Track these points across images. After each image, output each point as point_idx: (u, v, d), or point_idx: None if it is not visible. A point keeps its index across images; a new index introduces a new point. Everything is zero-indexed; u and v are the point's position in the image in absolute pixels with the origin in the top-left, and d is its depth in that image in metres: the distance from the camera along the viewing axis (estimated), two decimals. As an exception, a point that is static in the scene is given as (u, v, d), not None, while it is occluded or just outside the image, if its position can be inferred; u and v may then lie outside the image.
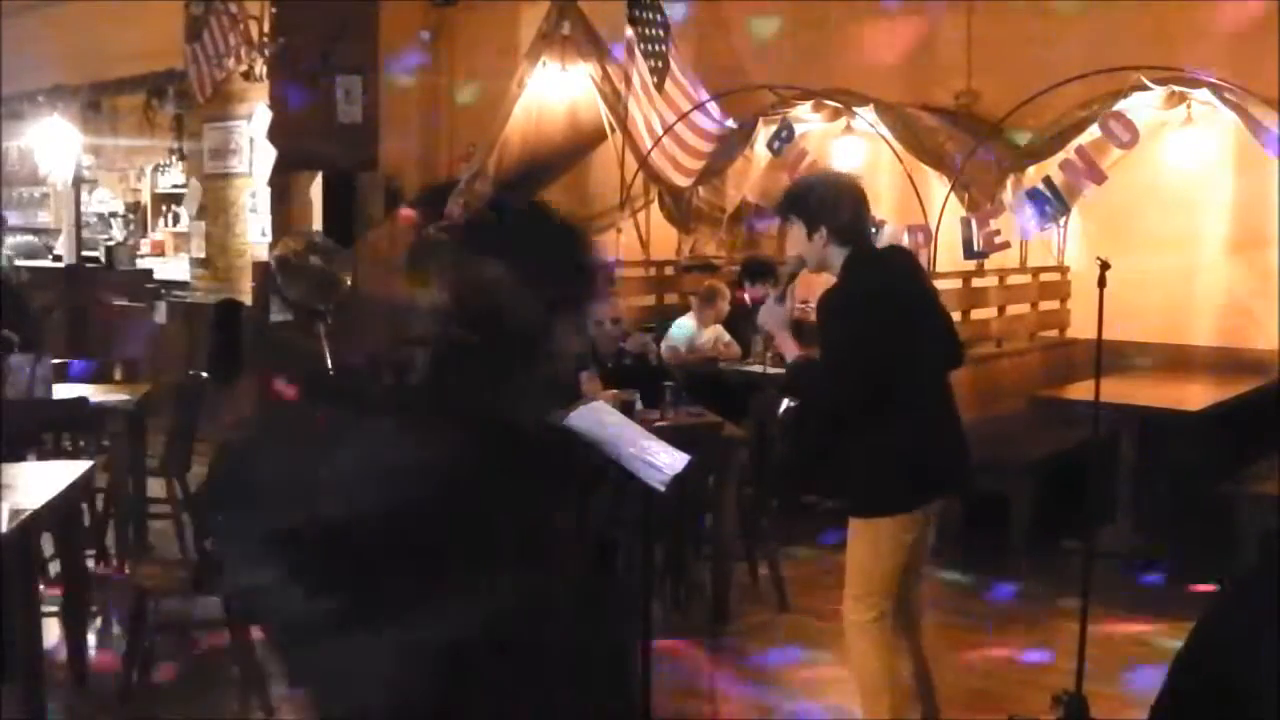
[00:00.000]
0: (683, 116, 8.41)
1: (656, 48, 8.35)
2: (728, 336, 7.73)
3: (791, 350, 3.95)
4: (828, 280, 3.98)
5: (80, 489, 4.85)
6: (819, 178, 4.29)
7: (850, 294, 3.84)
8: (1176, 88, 7.10)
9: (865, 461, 3.87)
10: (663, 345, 7.36)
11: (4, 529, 3.90)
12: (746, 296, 7.85)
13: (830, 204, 3.90)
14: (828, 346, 3.85)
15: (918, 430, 3.87)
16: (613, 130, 8.84)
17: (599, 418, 4.36)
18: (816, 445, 4.18)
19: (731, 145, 8.49)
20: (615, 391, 5.73)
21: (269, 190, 9.80)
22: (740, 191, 9.05)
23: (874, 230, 4.38)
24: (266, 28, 9.52)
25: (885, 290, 3.87)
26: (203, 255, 10.55)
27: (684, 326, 7.74)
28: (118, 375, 6.97)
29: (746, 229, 9.41)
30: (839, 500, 3.99)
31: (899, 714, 3.94)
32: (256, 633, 4.62)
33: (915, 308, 3.98)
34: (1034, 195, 7.08)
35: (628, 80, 8.44)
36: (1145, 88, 6.90)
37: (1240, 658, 2.70)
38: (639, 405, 5.66)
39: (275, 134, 9.57)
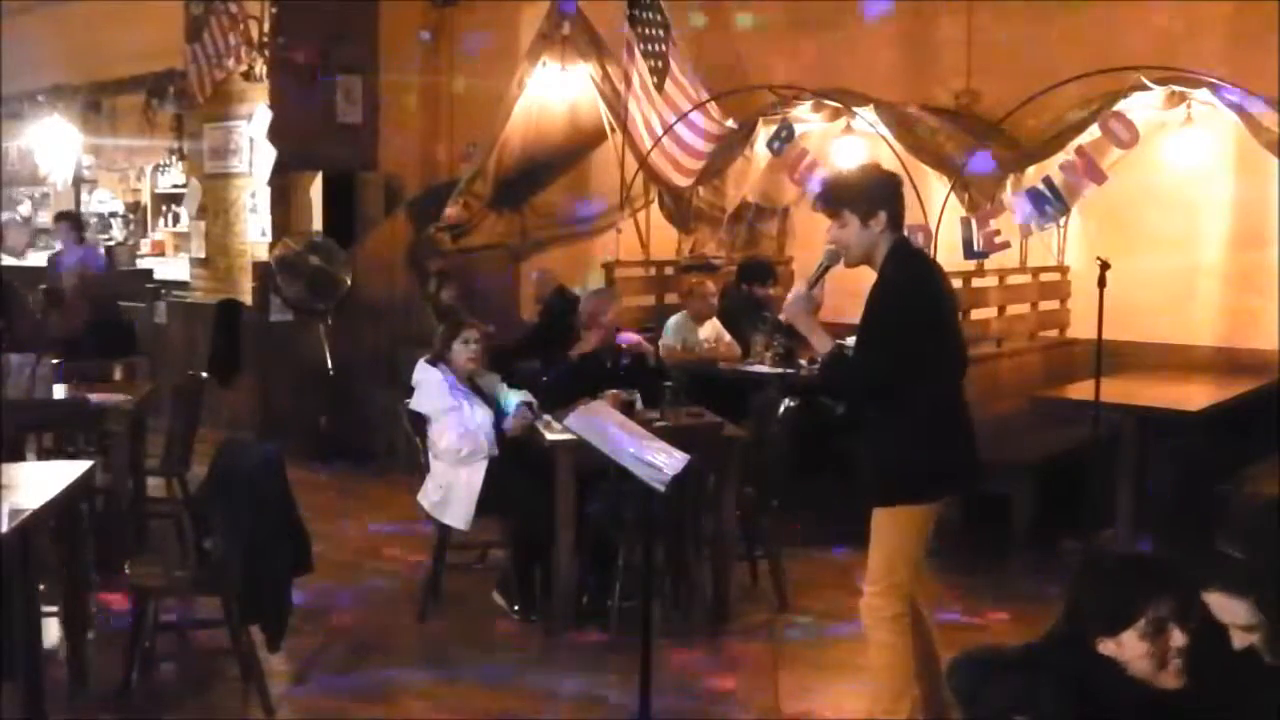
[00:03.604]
0: (683, 116, 8.39)
1: (656, 48, 8.34)
2: (728, 336, 7.73)
3: (824, 342, 3.94)
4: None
5: (80, 489, 4.84)
6: (866, 168, 4.27)
7: (915, 279, 3.92)
8: (1176, 88, 7.10)
9: (895, 451, 3.93)
10: (660, 344, 7.36)
11: (4, 529, 3.89)
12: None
13: (887, 191, 3.97)
14: (883, 333, 3.87)
15: (945, 424, 3.96)
16: (613, 130, 8.83)
17: (598, 418, 4.37)
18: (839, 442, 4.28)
19: (731, 145, 8.48)
20: (615, 391, 5.73)
21: (269, 190, 9.79)
22: (740, 191, 9.04)
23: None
24: (266, 28, 9.52)
25: (937, 285, 4.01)
26: (203, 255, 10.53)
27: (678, 324, 7.75)
28: (118, 375, 6.95)
29: (746, 229, 9.41)
30: (865, 493, 4.03)
31: (914, 714, 3.94)
32: (256, 633, 4.63)
33: (950, 306, 4.11)
34: (1034, 195, 7.07)
35: (628, 80, 8.43)
36: (1145, 88, 6.90)
37: None
38: (639, 405, 5.67)
39: (275, 134, 9.57)
